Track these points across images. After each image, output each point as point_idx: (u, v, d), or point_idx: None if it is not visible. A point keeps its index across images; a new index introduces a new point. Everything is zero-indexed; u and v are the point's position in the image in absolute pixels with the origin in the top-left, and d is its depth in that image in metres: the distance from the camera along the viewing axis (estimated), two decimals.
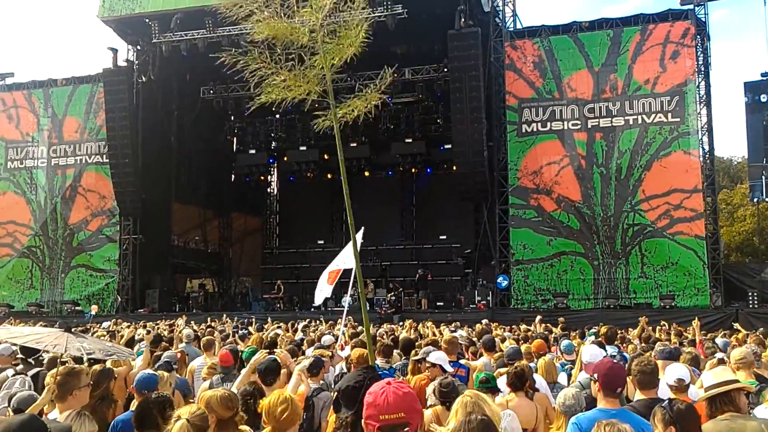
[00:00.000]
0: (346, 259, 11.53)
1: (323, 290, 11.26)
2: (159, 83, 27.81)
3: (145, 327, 15.82)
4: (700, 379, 6.06)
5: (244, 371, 6.38)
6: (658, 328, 14.67)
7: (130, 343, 10.38)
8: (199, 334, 12.23)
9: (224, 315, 20.21)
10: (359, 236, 11.21)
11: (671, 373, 5.12)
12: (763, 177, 24.89)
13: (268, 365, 6.10)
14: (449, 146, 26.90)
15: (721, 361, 6.98)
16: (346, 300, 25.30)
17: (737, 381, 4.22)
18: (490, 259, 25.36)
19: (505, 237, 24.67)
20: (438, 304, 25.63)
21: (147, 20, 26.12)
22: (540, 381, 6.36)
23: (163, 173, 28.86)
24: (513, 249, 24.50)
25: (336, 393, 3.21)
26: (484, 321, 16.91)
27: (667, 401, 3.90)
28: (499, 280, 24.31)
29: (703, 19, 24.41)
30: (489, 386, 5.23)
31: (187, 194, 30.48)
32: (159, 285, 28.00)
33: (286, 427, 4.05)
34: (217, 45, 24.94)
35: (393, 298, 24.99)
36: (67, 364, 5.42)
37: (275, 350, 7.33)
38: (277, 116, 31.60)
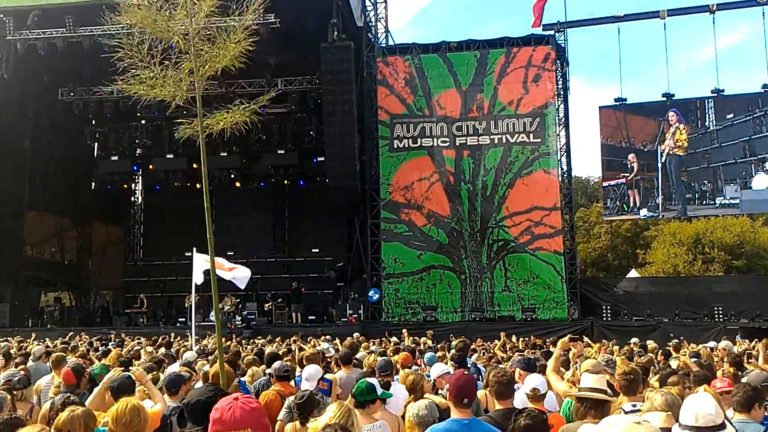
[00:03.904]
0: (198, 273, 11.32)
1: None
2: (13, 83, 25.89)
3: None
4: (564, 381, 6.34)
5: (96, 389, 6.02)
6: (521, 339, 15.29)
7: None
8: (53, 350, 11.46)
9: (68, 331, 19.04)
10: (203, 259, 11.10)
11: (528, 383, 5.30)
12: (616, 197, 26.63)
13: (121, 383, 5.78)
14: (322, 159, 26.87)
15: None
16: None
17: (606, 391, 4.43)
18: (362, 273, 25.53)
19: (376, 251, 24.95)
20: (310, 317, 25.42)
21: (1, 16, 24.50)
22: (403, 392, 6.40)
23: (15, 179, 26.91)
24: (384, 263, 24.81)
25: (182, 408, 3.10)
26: (355, 334, 16.95)
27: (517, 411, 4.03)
28: (370, 294, 24.54)
29: (563, 45, 25.94)
30: (357, 403, 5.19)
31: (42, 202, 28.56)
32: (10, 298, 26.09)
33: None
34: (78, 45, 23.77)
35: (245, 313, 24.58)
36: None
37: (131, 368, 6.96)
38: (143, 122, 30.40)
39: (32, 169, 28.03)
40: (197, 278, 11.12)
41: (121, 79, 5.97)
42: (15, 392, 6.50)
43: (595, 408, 4.25)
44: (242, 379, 7.63)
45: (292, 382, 7.27)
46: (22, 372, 6.99)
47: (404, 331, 16.29)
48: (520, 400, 5.31)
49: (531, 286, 24.13)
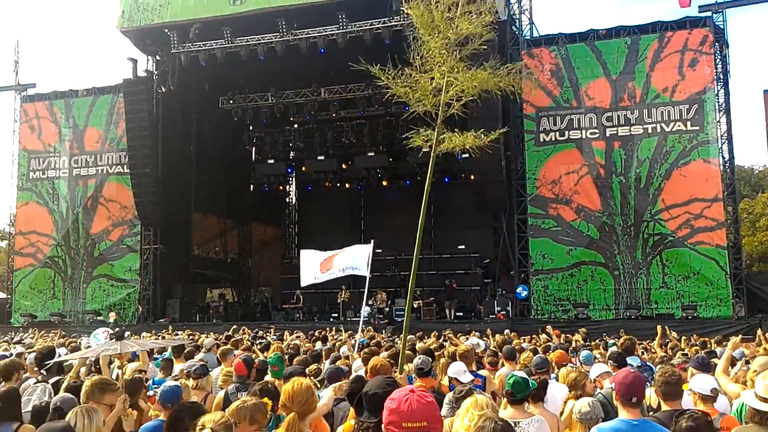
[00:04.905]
0: (358, 263, 11.57)
1: (311, 273, 11.40)
2: (178, 93, 27.91)
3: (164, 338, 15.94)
4: (737, 384, 6.00)
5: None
6: (683, 338, 14.56)
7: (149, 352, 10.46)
8: (219, 343, 12.30)
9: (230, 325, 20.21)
10: (369, 248, 11.29)
11: (704, 383, 5.06)
12: None
13: (293, 371, 6.16)
14: (467, 155, 26.78)
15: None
16: (365, 310, 25.46)
17: None
18: (509, 269, 25.24)
19: (524, 247, 24.54)
20: (457, 314, 25.50)
21: (166, 30, 26.29)
22: (562, 390, 6.31)
23: (182, 183, 28.98)
24: (532, 259, 24.37)
25: (360, 397, 3.22)
26: (506, 331, 16.83)
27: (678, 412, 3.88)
28: (518, 290, 24.18)
29: (722, 26, 24.23)
30: (515, 399, 5.20)
31: (206, 204, 30.61)
32: (180, 295, 28.12)
33: (307, 413, 4.25)
34: (236, 55, 25.23)
35: (387, 309, 24.90)
36: (99, 377, 5.62)
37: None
38: (295, 126, 31.77)
39: (197, 173, 30.02)
40: (305, 279, 11.46)
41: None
42: (193, 381, 7.08)
43: None
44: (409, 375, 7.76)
45: (445, 379, 7.37)
46: (200, 362, 7.60)
47: (548, 327, 16.05)
48: (685, 400, 5.11)
49: (691, 282, 22.78)
